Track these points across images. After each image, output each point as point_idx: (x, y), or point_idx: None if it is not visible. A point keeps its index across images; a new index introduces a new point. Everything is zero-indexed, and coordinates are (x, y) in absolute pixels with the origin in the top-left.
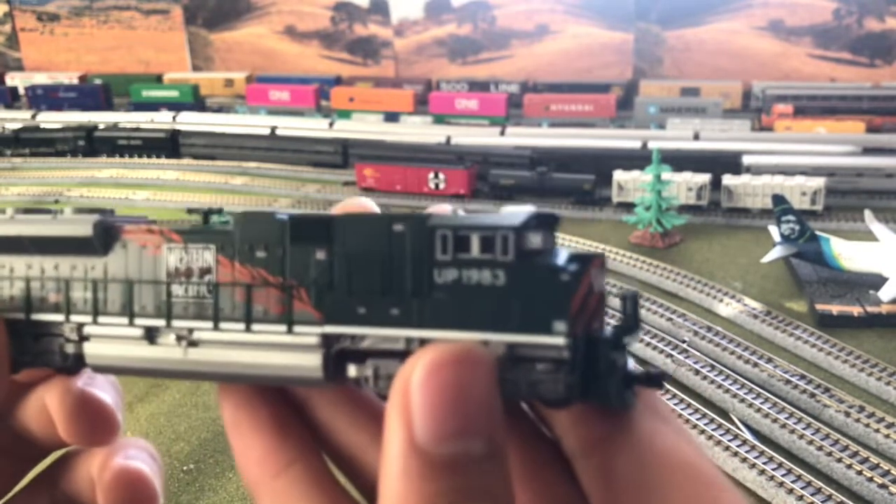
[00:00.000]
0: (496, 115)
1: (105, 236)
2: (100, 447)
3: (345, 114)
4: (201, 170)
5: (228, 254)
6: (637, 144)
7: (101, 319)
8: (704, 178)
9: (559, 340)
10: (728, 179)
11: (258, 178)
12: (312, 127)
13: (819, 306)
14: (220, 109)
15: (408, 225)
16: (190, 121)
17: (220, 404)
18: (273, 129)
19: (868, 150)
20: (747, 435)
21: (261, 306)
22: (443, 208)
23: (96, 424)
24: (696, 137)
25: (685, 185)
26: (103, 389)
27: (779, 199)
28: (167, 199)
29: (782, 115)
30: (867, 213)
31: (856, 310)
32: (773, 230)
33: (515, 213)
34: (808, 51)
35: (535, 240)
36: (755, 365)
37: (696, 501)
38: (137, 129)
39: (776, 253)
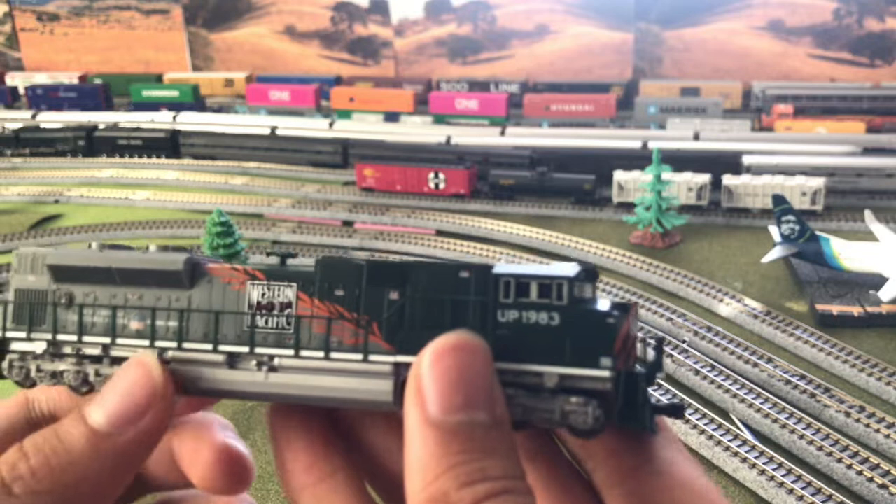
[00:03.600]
0: (496, 115)
1: (192, 272)
2: (233, 496)
3: (345, 114)
4: (201, 170)
5: (309, 291)
6: (637, 144)
7: (184, 346)
8: (704, 178)
9: (605, 374)
10: (728, 179)
11: (258, 178)
12: (312, 127)
13: (819, 306)
14: (220, 109)
15: (473, 272)
16: (190, 121)
17: (270, 419)
18: (273, 129)
19: (868, 150)
20: (747, 435)
21: (336, 338)
22: (502, 261)
23: (238, 476)
24: (697, 137)
25: (685, 185)
26: (237, 439)
27: (779, 199)
28: (167, 199)
29: (782, 115)
30: (867, 213)
31: (856, 310)
32: (773, 230)
33: (567, 266)
34: (808, 51)
35: (583, 289)
36: (755, 365)
37: None
38: (137, 129)
39: (776, 253)
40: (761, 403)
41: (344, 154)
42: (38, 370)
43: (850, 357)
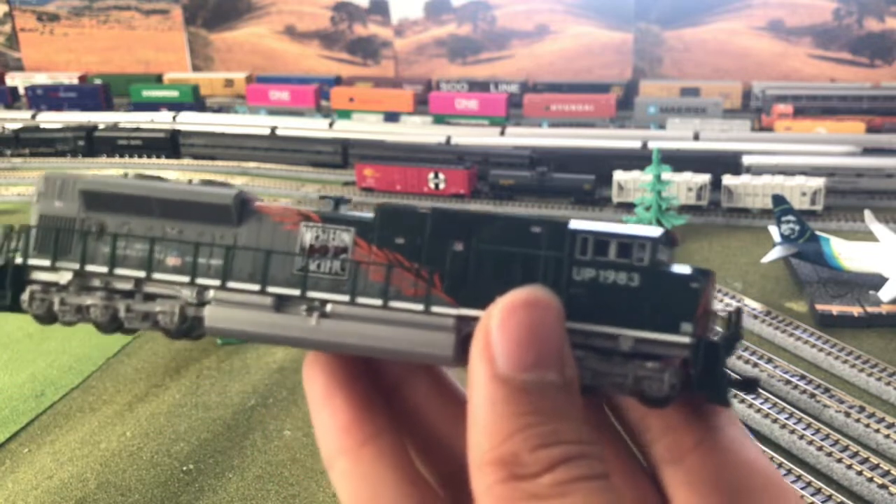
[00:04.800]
0: (496, 115)
1: (241, 208)
2: None
3: (345, 114)
4: (201, 170)
5: (367, 237)
6: (637, 144)
7: (229, 285)
8: (704, 178)
9: (685, 339)
10: (728, 179)
11: (258, 178)
12: (312, 127)
13: (819, 306)
14: (220, 109)
15: (545, 227)
16: (190, 121)
17: (309, 374)
18: (273, 129)
19: (868, 150)
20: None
21: (394, 287)
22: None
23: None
24: (696, 137)
25: (685, 185)
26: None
27: (779, 199)
28: None
29: (782, 115)
30: (867, 213)
31: (856, 310)
32: (773, 230)
33: (648, 227)
34: (808, 51)
35: (665, 253)
36: (755, 365)
37: None
38: (137, 129)
39: (776, 253)
40: (761, 403)
41: (344, 154)
42: (62, 303)
43: (850, 357)
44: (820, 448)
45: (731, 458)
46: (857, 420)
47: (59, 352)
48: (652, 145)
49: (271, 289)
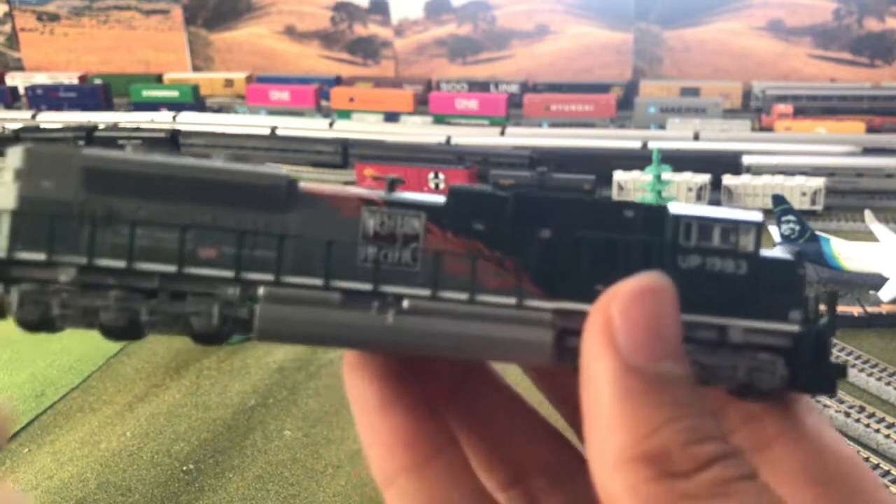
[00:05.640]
0: (496, 116)
1: (291, 191)
2: None
3: (345, 114)
4: None
5: (441, 223)
6: (637, 144)
7: (284, 280)
8: (704, 178)
9: (794, 328)
10: (728, 179)
11: None
12: (312, 127)
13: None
14: (220, 109)
15: (640, 212)
16: (190, 121)
17: (358, 381)
18: (273, 129)
19: (868, 150)
20: None
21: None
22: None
23: None
24: (696, 137)
25: (685, 185)
26: None
27: (779, 200)
28: None
29: (782, 115)
30: (867, 213)
31: (856, 310)
32: (773, 230)
33: (744, 211)
34: (808, 51)
35: (760, 236)
36: None
37: (865, 494)
38: (137, 129)
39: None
40: None
41: (344, 154)
42: (64, 306)
43: (850, 357)
44: None
45: (816, 449)
46: (857, 420)
47: (59, 352)
48: (652, 145)
49: (339, 283)
